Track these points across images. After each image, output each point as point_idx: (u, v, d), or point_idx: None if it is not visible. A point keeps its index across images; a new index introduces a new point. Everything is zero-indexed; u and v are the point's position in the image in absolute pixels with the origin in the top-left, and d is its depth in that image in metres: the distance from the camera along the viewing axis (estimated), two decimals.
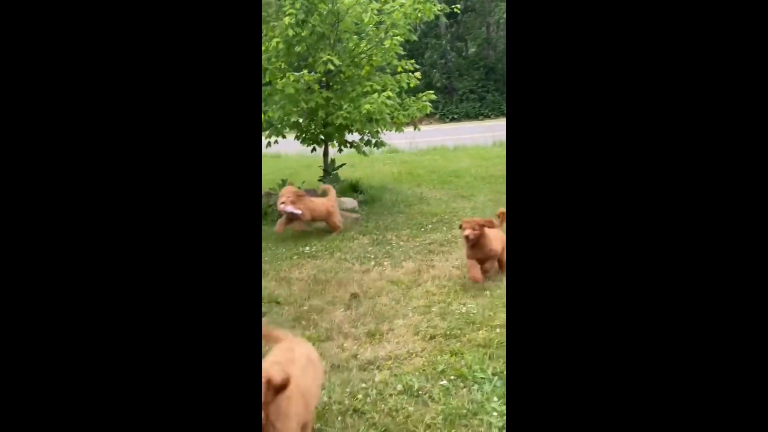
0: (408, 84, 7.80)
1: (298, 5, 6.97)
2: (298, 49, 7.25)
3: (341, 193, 8.08)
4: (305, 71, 7.11)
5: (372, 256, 5.54)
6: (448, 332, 3.71)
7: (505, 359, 3.22)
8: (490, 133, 14.59)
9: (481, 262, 4.55)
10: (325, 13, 7.20)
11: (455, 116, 21.99)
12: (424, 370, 3.24)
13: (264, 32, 7.41)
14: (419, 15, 7.59)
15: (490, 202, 7.36)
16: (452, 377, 3.12)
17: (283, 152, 12.89)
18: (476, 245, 4.45)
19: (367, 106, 6.92)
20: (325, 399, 2.96)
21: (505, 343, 3.37)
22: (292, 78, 6.88)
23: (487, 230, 4.48)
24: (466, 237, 4.37)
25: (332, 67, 7.15)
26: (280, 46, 7.14)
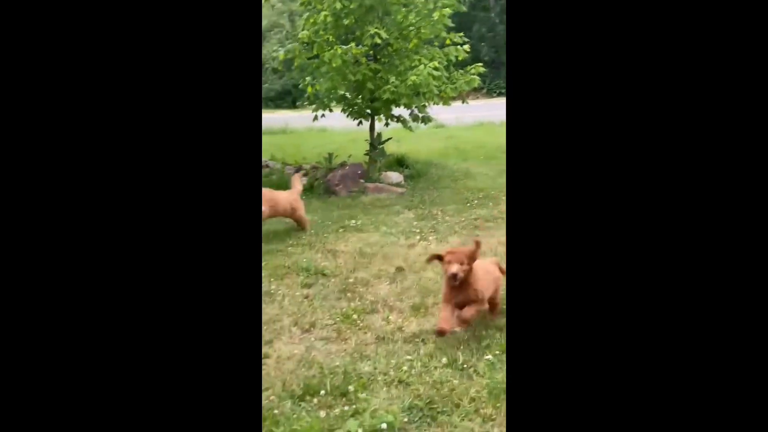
0: (456, 57, 7.68)
1: None
2: (346, 21, 7.21)
3: (387, 167, 8.07)
4: (353, 44, 7.07)
5: (417, 231, 5.54)
6: None
7: None
8: None
9: (461, 306, 3.34)
10: None
11: (503, 91, 21.59)
12: (468, 344, 3.24)
13: (312, 5, 7.40)
14: None
15: None
16: (497, 352, 3.12)
17: (329, 126, 12.94)
18: (460, 286, 3.27)
19: (413, 78, 6.86)
20: (370, 369, 3.00)
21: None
22: (339, 51, 6.86)
23: (476, 265, 3.33)
24: (453, 276, 3.21)
25: (380, 41, 7.10)
26: (328, 18, 7.12)
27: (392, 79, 7.17)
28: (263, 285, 4.17)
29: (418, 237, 5.36)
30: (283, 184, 6.49)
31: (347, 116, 8.24)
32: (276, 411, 2.64)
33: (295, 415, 2.62)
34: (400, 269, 4.51)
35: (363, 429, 2.50)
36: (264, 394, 2.77)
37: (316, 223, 5.89)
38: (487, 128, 13.07)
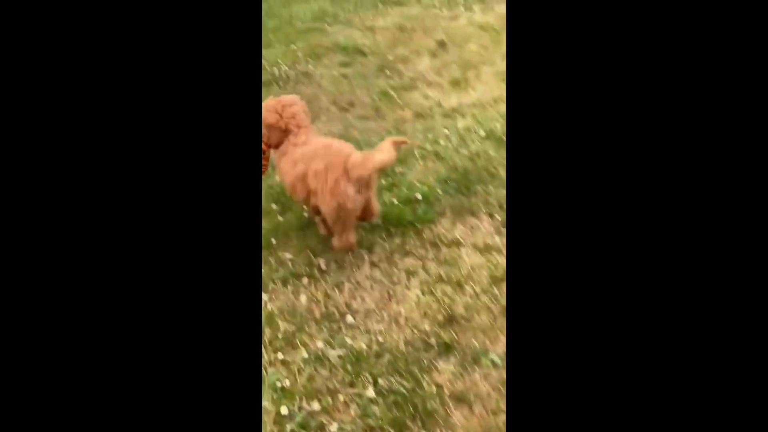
0: None
1: None
2: None
3: None
4: None
5: (461, 1, 5.15)
6: None
7: None
8: None
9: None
10: None
11: None
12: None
13: None
14: None
15: None
16: None
17: None
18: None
19: None
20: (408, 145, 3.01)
21: None
22: None
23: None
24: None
25: None
26: None
27: None
28: (301, 65, 4.08)
29: (461, 7, 5.00)
30: None
31: None
32: None
33: None
34: (441, 43, 4.29)
35: (398, 199, 2.58)
36: None
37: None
38: None
